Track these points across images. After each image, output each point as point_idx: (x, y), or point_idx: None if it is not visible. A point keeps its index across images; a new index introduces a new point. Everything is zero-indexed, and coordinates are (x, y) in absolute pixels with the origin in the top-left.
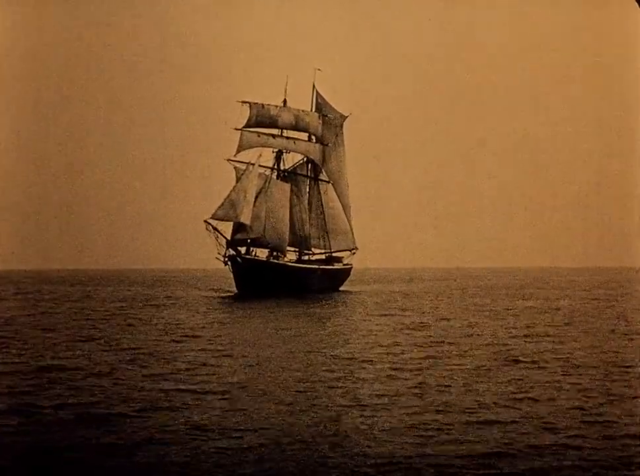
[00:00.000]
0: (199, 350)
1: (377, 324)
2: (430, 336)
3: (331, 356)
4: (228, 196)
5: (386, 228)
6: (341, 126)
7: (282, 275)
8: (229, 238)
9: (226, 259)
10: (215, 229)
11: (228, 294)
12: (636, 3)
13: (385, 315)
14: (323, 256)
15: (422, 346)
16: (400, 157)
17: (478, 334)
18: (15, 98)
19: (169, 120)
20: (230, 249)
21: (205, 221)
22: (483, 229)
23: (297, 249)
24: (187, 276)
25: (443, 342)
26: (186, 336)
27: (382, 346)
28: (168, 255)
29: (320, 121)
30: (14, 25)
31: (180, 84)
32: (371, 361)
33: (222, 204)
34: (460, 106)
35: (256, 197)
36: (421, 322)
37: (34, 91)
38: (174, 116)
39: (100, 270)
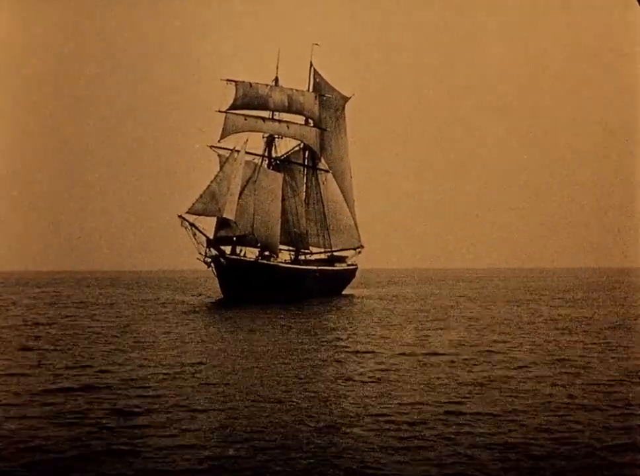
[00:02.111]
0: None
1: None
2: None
3: None
4: (208, 186)
5: (391, 225)
6: (342, 109)
7: (273, 278)
8: (213, 236)
9: (209, 260)
10: (192, 225)
11: (210, 300)
12: (637, 3)
13: (389, 328)
14: (324, 256)
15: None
16: (406, 146)
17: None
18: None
19: (151, 103)
20: (212, 249)
21: (180, 217)
22: (490, 228)
23: (293, 248)
24: (179, 278)
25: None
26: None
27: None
28: (158, 255)
29: (317, 102)
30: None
31: (162, 64)
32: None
33: (201, 196)
34: (460, 104)
35: (243, 188)
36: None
37: (24, 93)
38: (157, 100)
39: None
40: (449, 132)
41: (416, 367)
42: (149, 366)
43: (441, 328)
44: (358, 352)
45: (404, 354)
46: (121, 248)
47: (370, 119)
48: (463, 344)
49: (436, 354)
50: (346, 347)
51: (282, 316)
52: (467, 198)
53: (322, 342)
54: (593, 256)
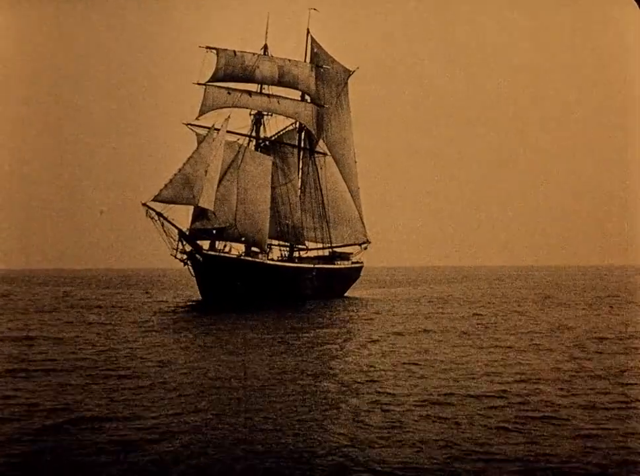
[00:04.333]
0: None
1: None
2: None
3: None
4: (180, 170)
5: (394, 219)
6: (345, 84)
7: (260, 278)
8: (189, 228)
9: (184, 257)
10: (160, 215)
11: (184, 304)
12: (635, 3)
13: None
14: (326, 252)
15: None
16: (414, 130)
17: None
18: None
19: (122, 76)
20: (185, 243)
21: (144, 205)
22: (497, 227)
23: (286, 244)
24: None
25: None
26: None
27: None
28: (132, 251)
29: (314, 75)
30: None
31: (135, 30)
32: None
33: (170, 181)
34: (468, 94)
35: (224, 173)
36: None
37: (19, 92)
38: (128, 74)
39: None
40: (457, 119)
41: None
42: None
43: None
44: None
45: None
46: (86, 244)
47: (373, 98)
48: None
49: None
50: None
51: (270, 326)
52: (474, 195)
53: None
54: (601, 254)
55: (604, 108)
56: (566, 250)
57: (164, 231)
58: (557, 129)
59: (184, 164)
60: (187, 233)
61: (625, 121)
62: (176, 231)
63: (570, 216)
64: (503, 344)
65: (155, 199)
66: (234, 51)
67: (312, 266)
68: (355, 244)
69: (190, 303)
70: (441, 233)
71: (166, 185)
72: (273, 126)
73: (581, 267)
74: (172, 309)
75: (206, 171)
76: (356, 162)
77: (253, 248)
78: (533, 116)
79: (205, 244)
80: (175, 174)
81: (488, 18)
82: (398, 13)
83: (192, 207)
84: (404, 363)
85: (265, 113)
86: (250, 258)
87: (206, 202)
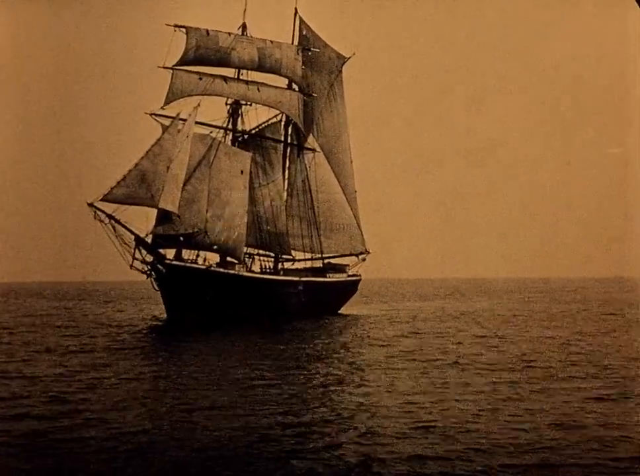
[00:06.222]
0: None
1: None
2: None
3: None
4: (136, 165)
5: (390, 228)
6: (339, 72)
7: (236, 292)
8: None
9: (146, 268)
10: (111, 217)
11: (150, 322)
12: (636, 3)
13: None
14: (319, 264)
15: None
16: (410, 127)
17: None
18: None
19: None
20: (143, 250)
21: (90, 205)
22: (496, 238)
23: (269, 253)
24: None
25: None
26: None
27: None
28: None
29: (300, 59)
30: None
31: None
32: None
33: (124, 178)
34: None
35: (193, 170)
36: None
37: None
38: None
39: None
40: (462, 118)
41: None
42: None
43: None
44: None
45: None
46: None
47: (372, 90)
48: None
49: None
50: None
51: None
52: (473, 205)
53: None
54: (601, 266)
55: (605, 111)
56: (579, 261)
57: (117, 237)
58: (559, 133)
59: (141, 158)
60: (147, 240)
61: (627, 123)
62: (133, 236)
63: (579, 227)
64: None
65: (104, 199)
66: (207, 30)
67: (298, 279)
68: (351, 255)
69: (155, 323)
70: (449, 243)
71: (118, 182)
72: (253, 118)
73: (598, 279)
74: (124, 330)
75: (168, 167)
76: (352, 162)
77: (229, 259)
78: (535, 118)
79: (172, 253)
80: (130, 170)
81: (489, 11)
82: None
83: (154, 211)
84: None
85: (243, 102)
86: (221, 270)
87: (168, 203)
